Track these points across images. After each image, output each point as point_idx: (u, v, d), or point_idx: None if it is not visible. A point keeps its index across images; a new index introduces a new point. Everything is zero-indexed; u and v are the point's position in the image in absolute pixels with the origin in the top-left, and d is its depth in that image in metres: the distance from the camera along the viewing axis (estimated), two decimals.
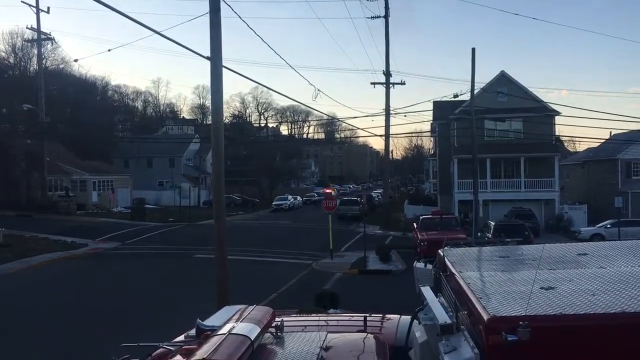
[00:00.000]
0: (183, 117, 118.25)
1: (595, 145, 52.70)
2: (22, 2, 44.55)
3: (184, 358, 2.94)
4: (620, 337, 2.60)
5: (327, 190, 50.08)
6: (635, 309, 2.66)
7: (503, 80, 45.33)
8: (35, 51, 53.62)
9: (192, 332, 3.72)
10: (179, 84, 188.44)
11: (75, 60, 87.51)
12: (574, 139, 75.22)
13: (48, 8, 45.53)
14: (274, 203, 63.29)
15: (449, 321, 2.89)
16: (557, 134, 47.83)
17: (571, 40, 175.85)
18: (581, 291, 3.00)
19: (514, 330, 2.48)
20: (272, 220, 47.73)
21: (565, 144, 73.26)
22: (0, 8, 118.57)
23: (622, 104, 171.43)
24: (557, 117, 44.15)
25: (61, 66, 70.59)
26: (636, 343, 2.59)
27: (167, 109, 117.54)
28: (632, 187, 45.54)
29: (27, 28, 47.37)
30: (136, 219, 42.66)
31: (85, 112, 67.98)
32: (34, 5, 45.03)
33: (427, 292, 3.50)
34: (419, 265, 4.73)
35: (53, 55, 66.78)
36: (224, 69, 12.84)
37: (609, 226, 36.24)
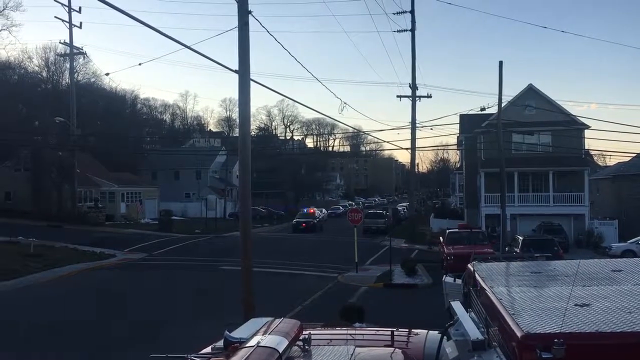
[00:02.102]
0: (210, 129, 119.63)
1: (626, 159, 51.66)
2: (55, 17, 45.80)
3: None
4: None
5: (310, 211, 54.07)
6: None
7: (531, 93, 44.83)
8: (68, 65, 54.90)
9: (220, 343, 3.71)
10: (207, 97, 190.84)
11: (107, 74, 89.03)
12: (604, 153, 74.03)
13: (80, 23, 46.59)
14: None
15: (481, 337, 2.83)
16: (586, 147, 47.06)
17: (600, 53, 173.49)
18: (617, 309, 2.92)
19: (549, 347, 2.43)
20: (298, 233, 47.72)
21: (595, 158, 71.94)
22: (34, 23, 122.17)
23: None
24: (586, 131, 43.42)
25: (92, 80, 72.20)
26: None
27: (195, 122, 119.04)
28: None
29: (60, 43, 48.63)
30: (163, 230, 43.11)
31: (115, 125, 69.19)
32: (67, 20, 46.19)
33: (457, 307, 3.45)
34: (448, 279, 4.67)
35: (85, 69, 68.41)
36: (251, 82, 12.97)
37: None
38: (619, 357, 2.54)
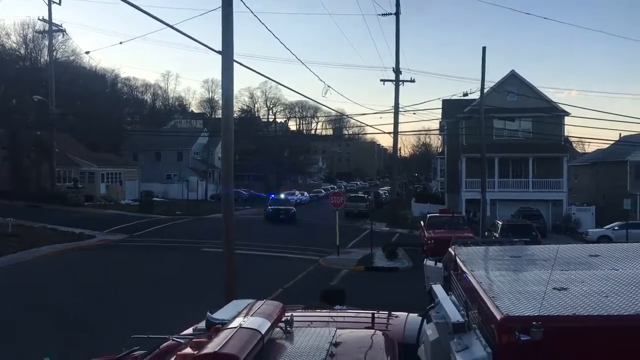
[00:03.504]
0: (192, 110, 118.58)
1: (605, 146, 52.41)
2: None
3: (194, 351, 2.94)
4: (633, 339, 2.58)
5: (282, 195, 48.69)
6: None
7: (513, 79, 45.12)
8: (47, 43, 53.84)
9: (202, 325, 3.73)
10: (189, 77, 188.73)
11: (87, 53, 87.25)
12: (583, 140, 74.84)
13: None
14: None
15: (461, 320, 2.88)
16: (566, 134, 47.60)
17: (582, 40, 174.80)
18: (594, 292, 2.98)
19: (527, 330, 2.47)
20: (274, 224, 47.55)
21: (574, 145, 72.84)
22: None
23: (632, 105, 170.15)
24: (566, 118, 43.92)
25: (72, 58, 70.82)
26: None
27: (176, 103, 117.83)
28: None
29: (38, 19, 47.61)
30: (144, 211, 42.82)
31: (95, 104, 68.19)
32: None
33: (438, 290, 3.50)
34: (429, 263, 4.72)
35: (64, 47, 66.99)
36: (234, 63, 12.84)
37: (616, 228, 36.03)
38: (595, 340, 2.60)
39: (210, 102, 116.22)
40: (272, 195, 48.37)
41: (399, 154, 61.43)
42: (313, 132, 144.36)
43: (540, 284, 3.08)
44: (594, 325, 2.60)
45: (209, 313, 3.63)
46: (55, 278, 19.24)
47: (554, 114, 42.74)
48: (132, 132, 71.82)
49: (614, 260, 3.91)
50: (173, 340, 3.64)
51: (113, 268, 21.42)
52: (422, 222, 29.56)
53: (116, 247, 26.99)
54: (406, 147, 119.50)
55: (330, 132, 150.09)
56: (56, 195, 44.81)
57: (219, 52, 12.71)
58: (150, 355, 3.57)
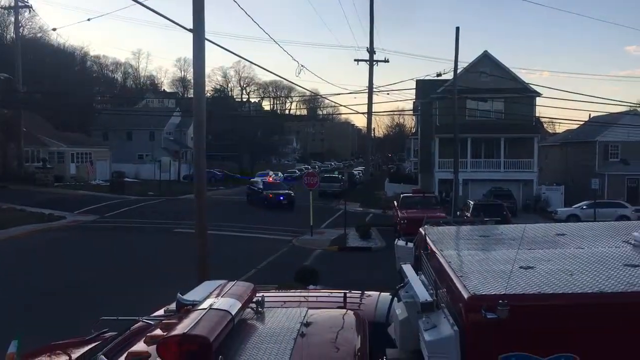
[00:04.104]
0: (164, 90, 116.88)
1: (575, 127, 53.30)
2: None
3: (163, 332, 2.92)
4: (598, 316, 2.65)
5: (269, 180, 44.44)
6: (613, 289, 2.70)
7: (486, 60, 45.41)
8: (12, 19, 52.20)
9: (172, 306, 3.70)
10: (160, 56, 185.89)
11: (54, 29, 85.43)
12: (554, 120, 76.06)
13: None
14: (253, 179, 62.58)
15: (429, 299, 2.91)
16: (537, 115, 48.29)
17: (553, 21, 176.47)
18: (559, 271, 3.03)
19: (494, 308, 2.51)
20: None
21: (545, 126, 73.88)
22: None
23: (601, 86, 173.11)
24: (538, 99, 44.52)
25: (39, 35, 69.03)
26: (612, 322, 2.63)
27: (148, 82, 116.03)
28: (609, 169, 46.29)
29: None
30: (115, 192, 42.30)
31: (64, 83, 66.65)
32: None
33: (408, 270, 3.52)
34: (400, 243, 4.75)
35: (31, 23, 65.16)
36: (206, 41, 12.64)
37: (585, 207, 36.85)
38: (560, 317, 2.65)
39: (182, 81, 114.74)
40: (263, 178, 44.70)
41: (373, 135, 61.68)
42: (287, 112, 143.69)
43: (507, 262, 3.12)
44: (559, 303, 2.65)
45: (179, 294, 3.60)
46: (24, 260, 18.93)
47: (526, 95, 43.25)
48: (102, 111, 70.40)
49: (580, 238, 3.99)
50: (143, 321, 3.61)
51: (84, 249, 21.16)
52: (395, 202, 29.79)
53: (87, 228, 26.63)
54: (380, 128, 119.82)
55: (304, 112, 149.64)
56: (24, 175, 43.87)
57: (190, 30, 12.48)
58: (120, 337, 3.54)
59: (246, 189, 42.79)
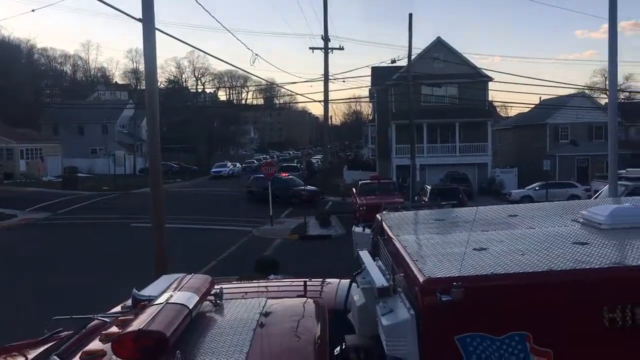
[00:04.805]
0: (116, 82, 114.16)
1: (526, 110, 54.63)
2: None
3: (119, 329, 2.87)
4: (548, 294, 2.72)
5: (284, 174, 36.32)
6: (562, 267, 2.78)
7: (439, 46, 45.95)
8: None
9: (129, 302, 3.63)
10: (111, 47, 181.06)
11: None
12: (506, 104, 77.73)
13: None
14: (212, 170, 62.03)
15: (385, 284, 2.94)
16: (490, 99, 49.21)
17: (505, 7, 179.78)
18: (511, 251, 3.10)
19: (448, 290, 2.54)
20: (211, 188, 47.12)
21: (498, 110, 75.53)
22: None
23: (552, 70, 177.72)
24: (490, 83, 45.39)
25: None
26: (562, 299, 2.71)
27: (99, 74, 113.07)
28: (559, 151, 47.70)
29: None
30: (68, 188, 41.22)
31: (10, 76, 64.31)
32: None
33: (365, 256, 3.55)
34: (358, 229, 4.78)
35: None
36: (157, 31, 12.38)
37: (537, 188, 37.90)
38: (512, 296, 2.71)
39: (135, 72, 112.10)
40: (263, 175, 30.60)
41: (330, 123, 61.73)
42: (243, 102, 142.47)
43: (461, 245, 3.17)
44: (511, 283, 2.71)
45: (135, 290, 3.54)
46: None
47: (479, 80, 44.03)
48: (52, 105, 68.30)
49: (531, 219, 4.09)
50: (98, 319, 3.54)
51: (36, 248, 20.58)
52: (354, 189, 29.98)
53: (39, 225, 25.90)
54: (337, 116, 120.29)
55: (261, 101, 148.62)
56: None
57: (139, 19, 12.19)
58: (75, 336, 3.45)
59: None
